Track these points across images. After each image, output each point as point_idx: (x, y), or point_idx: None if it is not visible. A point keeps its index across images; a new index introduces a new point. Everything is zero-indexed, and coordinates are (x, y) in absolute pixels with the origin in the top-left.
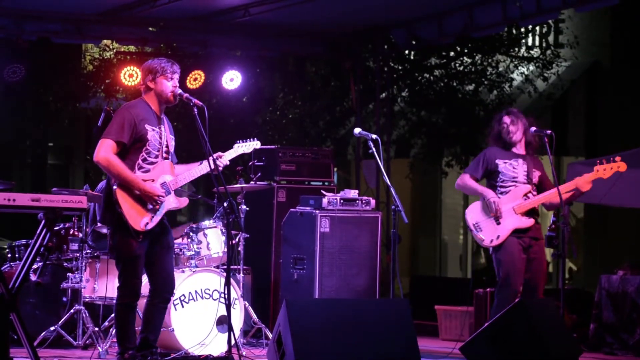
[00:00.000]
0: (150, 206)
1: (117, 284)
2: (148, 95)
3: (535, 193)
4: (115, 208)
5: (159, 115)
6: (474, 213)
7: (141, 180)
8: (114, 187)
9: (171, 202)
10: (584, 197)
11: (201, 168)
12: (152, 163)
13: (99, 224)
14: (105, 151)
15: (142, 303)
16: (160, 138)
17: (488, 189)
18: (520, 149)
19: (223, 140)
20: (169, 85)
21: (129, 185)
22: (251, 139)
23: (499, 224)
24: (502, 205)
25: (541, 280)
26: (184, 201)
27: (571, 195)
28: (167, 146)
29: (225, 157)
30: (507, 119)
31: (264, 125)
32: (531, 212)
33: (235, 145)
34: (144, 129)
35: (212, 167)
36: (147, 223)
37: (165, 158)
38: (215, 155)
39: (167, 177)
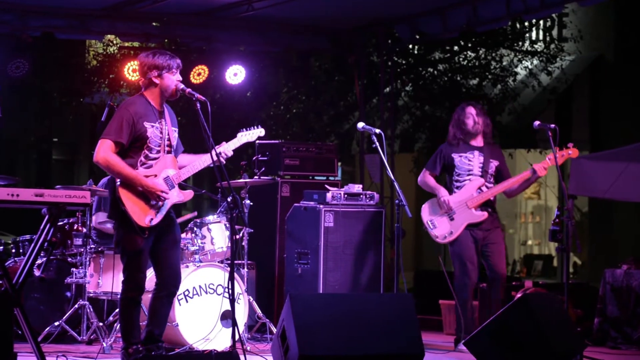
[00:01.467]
0: (154, 202)
1: (121, 278)
2: (149, 90)
3: (490, 185)
4: (119, 205)
5: (159, 109)
6: (428, 210)
7: (143, 176)
8: (117, 183)
9: (175, 196)
10: (587, 192)
11: (204, 160)
12: (154, 159)
13: (100, 220)
14: (104, 151)
15: (147, 297)
16: (161, 133)
17: (440, 187)
18: (477, 141)
19: (226, 135)
20: (174, 79)
21: (131, 182)
22: (255, 127)
23: (452, 219)
24: (454, 201)
25: (501, 264)
26: (189, 194)
27: (528, 182)
28: (168, 139)
29: (229, 147)
30: (472, 110)
31: (267, 120)
32: (485, 204)
33: (239, 134)
34: (143, 127)
35: (215, 159)
36: (152, 219)
37: (168, 152)
38: (216, 147)
39: (170, 171)
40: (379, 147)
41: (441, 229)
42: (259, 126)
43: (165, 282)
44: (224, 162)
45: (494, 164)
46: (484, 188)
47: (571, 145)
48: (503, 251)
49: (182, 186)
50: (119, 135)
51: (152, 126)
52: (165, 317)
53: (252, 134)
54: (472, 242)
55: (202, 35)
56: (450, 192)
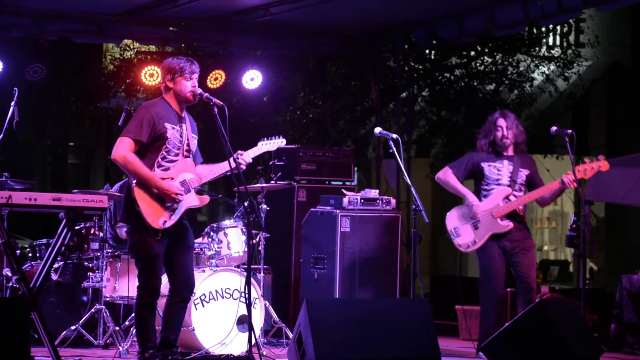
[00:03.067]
0: (169, 204)
1: (137, 283)
2: (168, 94)
3: (519, 194)
4: (133, 206)
5: (180, 113)
6: (453, 218)
7: (159, 178)
8: (132, 185)
9: (191, 200)
10: (604, 197)
11: (223, 166)
12: (172, 161)
13: (119, 224)
14: (122, 149)
15: (162, 302)
16: (181, 136)
17: (469, 192)
18: (507, 151)
19: (243, 140)
20: (188, 85)
21: (147, 183)
22: (276, 137)
23: (477, 228)
24: (480, 210)
25: (531, 272)
26: (205, 199)
27: (558, 192)
28: (187, 144)
29: (249, 155)
30: (502, 123)
31: (284, 125)
32: (512, 215)
33: (260, 143)
34: (164, 127)
35: (233, 166)
36: (165, 221)
37: (186, 156)
38: (235, 155)
39: (188, 175)
40: (396, 152)
41: (465, 237)
42: (280, 136)
43: (179, 288)
44: (244, 167)
45: (524, 172)
46: (511, 197)
47: (602, 157)
48: (532, 261)
49: (199, 191)
50: (138, 134)
51: (173, 128)
52: (180, 323)
53: (272, 144)
54: (499, 254)
55: (219, 39)
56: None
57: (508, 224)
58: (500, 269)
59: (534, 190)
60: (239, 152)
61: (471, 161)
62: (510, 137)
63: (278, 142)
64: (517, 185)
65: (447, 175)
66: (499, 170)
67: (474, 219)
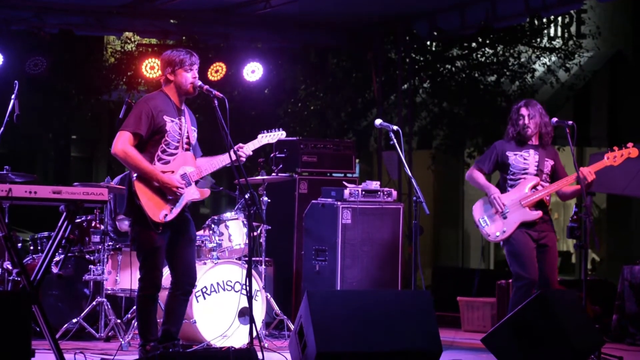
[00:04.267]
0: (170, 197)
1: (138, 275)
2: (168, 87)
3: (545, 184)
4: (134, 200)
5: (179, 106)
6: (480, 208)
7: (159, 171)
8: (133, 178)
9: (192, 193)
10: (606, 188)
11: (223, 159)
12: (171, 154)
13: (119, 217)
14: (122, 143)
15: (163, 295)
16: (180, 129)
17: (491, 184)
18: (533, 140)
19: (244, 132)
20: (189, 76)
21: (148, 176)
22: (276, 129)
23: (505, 218)
24: (508, 199)
25: (553, 272)
26: (206, 192)
27: (581, 187)
28: (187, 137)
29: (249, 147)
30: (524, 111)
31: (285, 117)
32: (539, 205)
33: (260, 136)
34: (162, 120)
35: (234, 158)
36: (167, 215)
37: (186, 149)
38: (235, 147)
39: (188, 168)
40: (397, 144)
41: (494, 227)
42: (280, 129)
43: (180, 280)
44: (244, 159)
45: (549, 163)
46: (539, 187)
47: (631, 145)
48: (556, 259)
49: (200, 184)
50: (137, 127)
51: (172, 121)
52: (181, 316)
53: (273, 136)
54: (529, 240)
55: (219, 32)
56: (504, 190)
57: (538, 213)
58: (532, 254)
59: (558, 180)
60: (240, 144)
61: (495, 151)
62: (532, 127)
63: (278, 135)
64: (544, 175)
65: (472, 173)
66: (526, 160)
67: (502, 209)
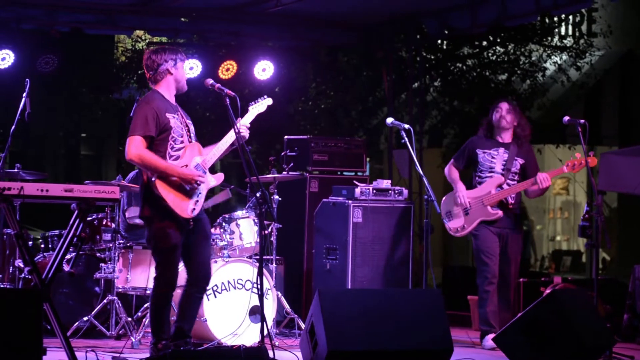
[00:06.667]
0: (189, 188)
1: (153, 274)
2: (161, 84)
3: (512, 183)
4: (159, 202)
5: (173, 102)
6: (447, 202)
7: (178, 166)
8: (153, 179)
9: (209, 181)
10: (617, 187)
11: (227, 140)
12: (179, 149)
13: (131, 215)
14: (136, 148)
15: (176, 293)
16: (181, 123)
17: (459, 182)
18: (505, 138)
19: (255, 131)
20: (186, 68)
21: (167, 173)
22: (262, 98)
23: (467, 214)
24: (472, 197)
25: (511, 268)
26: (220, 176)
27: (538, 191)
28: (188, 129)
29: (245, 121)
30: (504, 105)
31: (296, 115)
32: (501, 204)
33: (250, 108)
34: (166, 118)
35: (237, 131)
36: (194, 209)
37: (189, 141)
38: (235, 127)
39: (198, 158)
40: (408, 142)
41: (455, 222)
42: (265, 96)
43: (196, 278)
44: (247, 137)
45: (519, 162)
46: (504, 186)
47: (592, 154)
48: (515, 255)
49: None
50: (146, 129)
51: (174, 117)
52: (194, 313)
53: (262, 104)
54: (492, 237)
55: (230, 30)
56: (474, 187)
57: (497, 212)
58: (496, 250)
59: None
60: (238, 119)
61: (468, 148)
62: (509, 120)
63: (266, 102)
64: (510, 174)
65: (449, 168)
66: (493, 158)
67: (465, 206)
